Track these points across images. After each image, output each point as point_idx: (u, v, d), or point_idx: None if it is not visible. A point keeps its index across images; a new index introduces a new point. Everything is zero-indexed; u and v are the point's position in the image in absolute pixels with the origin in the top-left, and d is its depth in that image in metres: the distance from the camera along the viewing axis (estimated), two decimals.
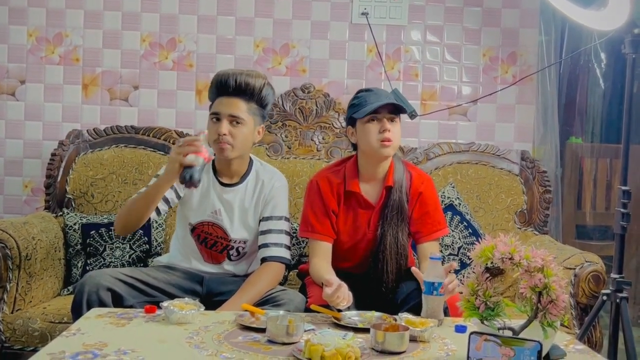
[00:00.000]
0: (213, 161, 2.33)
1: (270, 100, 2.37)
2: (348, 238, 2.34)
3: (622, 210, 2.25)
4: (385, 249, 2.28)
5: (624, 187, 2.27)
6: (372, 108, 2.21)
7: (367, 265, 2.32)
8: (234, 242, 2.33)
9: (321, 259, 2.27)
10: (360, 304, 2.16)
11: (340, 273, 2.15)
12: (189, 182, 1.97)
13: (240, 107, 2.25)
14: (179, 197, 2.33)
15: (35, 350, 2.20)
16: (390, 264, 2.28)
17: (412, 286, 2.19)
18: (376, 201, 2.33)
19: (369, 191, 2.34)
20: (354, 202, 2.33)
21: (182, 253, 2.38)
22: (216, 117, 2.26)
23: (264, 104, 2.33)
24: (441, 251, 2.79)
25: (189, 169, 1.98)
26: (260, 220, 2.33)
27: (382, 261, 2.28)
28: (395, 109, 2.26)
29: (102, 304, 2.04)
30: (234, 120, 2.24)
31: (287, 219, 2.35)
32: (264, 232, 2.31)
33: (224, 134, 2.22)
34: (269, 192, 2.33)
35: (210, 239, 2.33)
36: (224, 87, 2.26)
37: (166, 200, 2.29)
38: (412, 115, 3.04)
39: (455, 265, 1.99)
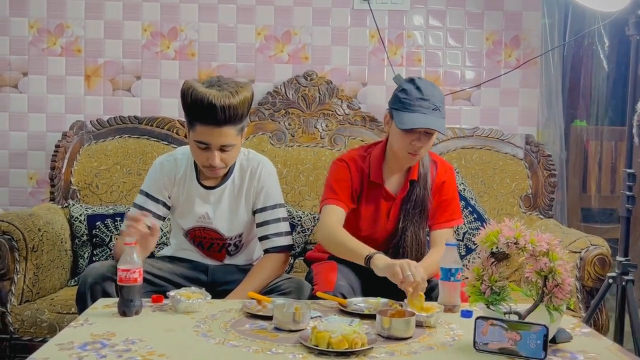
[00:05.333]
0: (195, 164, 2.25)
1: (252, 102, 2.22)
2: (367, 225, 2.32)
3: (627, 192, 2.25)
4: (405, 244, 2.26)
5: (629, 170, 2.26)
6: (409, 127, 2.13)
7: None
8: (230, 240, 2.32)
9: (335, 222, 2.21)
10: (367, 289, 2.17)
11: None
12: (124, 315, 1.85)
13: (231, 134, 2.09)
14: (168, 207, 2.30)
15: (44, 341, 2.21)
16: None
17: None
18: (398, 192, 2.31)
19: (393, 181, 2.31)
20: (377, 192, 2.30)
21: (183, 248, 2.39)
22: (205, 145, 2.10)
23: (249, 111, 2.19)
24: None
25: (124, 301, 1.85)
26: (254, 212, 2.30)
27: (402, 257, 2.22)
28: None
29: (105, 294, 2.04)
30: (226, 147, 2.11)
31: (280, 205, 2.31)
32: (261, 224, 2.28)
33: (218, 162, 2.13)
34: (257, 182, 2.27)
35: (206, 241, 2.32)
36: (211, 117, 2.04)
37: (158, 217, 2.25)
38: None
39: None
